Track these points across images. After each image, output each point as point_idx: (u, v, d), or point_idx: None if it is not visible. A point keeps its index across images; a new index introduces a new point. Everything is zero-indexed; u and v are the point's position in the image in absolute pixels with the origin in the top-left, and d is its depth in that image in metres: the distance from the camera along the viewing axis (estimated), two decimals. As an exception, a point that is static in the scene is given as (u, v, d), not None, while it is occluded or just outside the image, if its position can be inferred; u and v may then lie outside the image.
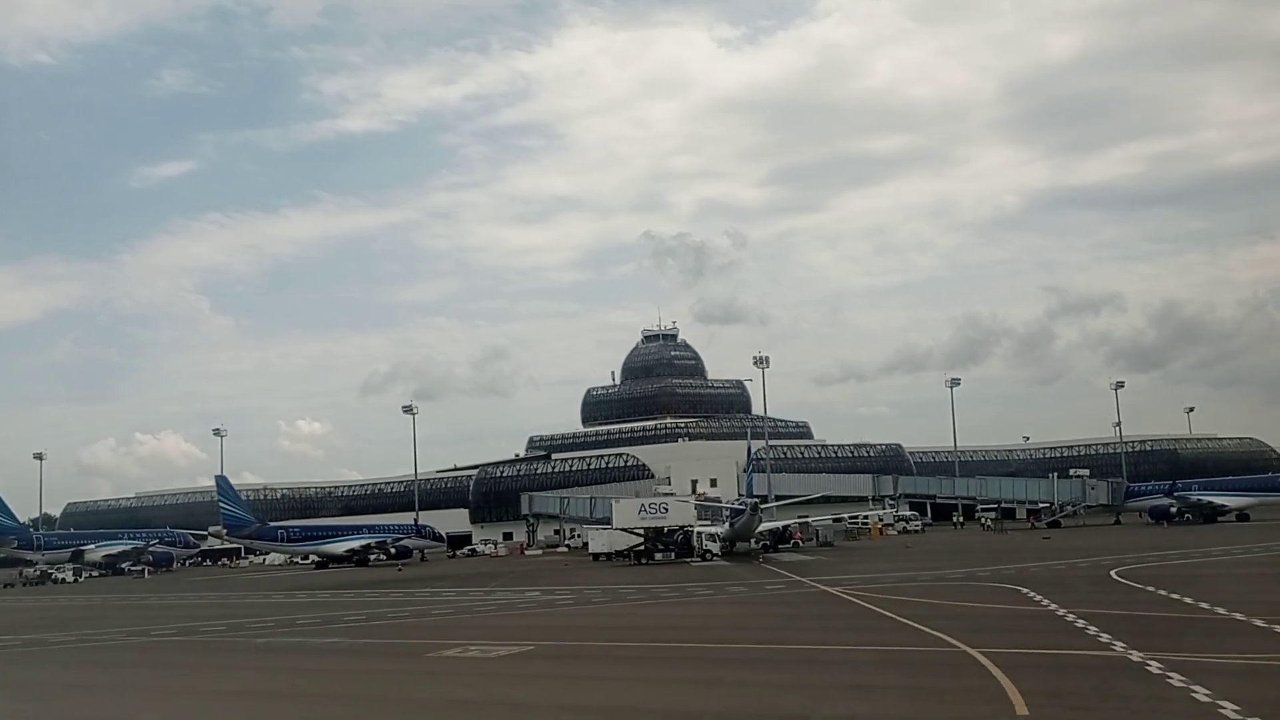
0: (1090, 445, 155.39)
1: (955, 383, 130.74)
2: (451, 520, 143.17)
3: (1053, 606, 31.64)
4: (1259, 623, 26.02)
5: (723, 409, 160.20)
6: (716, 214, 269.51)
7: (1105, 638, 24.50)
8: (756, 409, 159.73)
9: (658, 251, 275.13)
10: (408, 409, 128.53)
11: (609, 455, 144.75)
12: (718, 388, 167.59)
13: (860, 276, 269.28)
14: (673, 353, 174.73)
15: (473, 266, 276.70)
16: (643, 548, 74.34)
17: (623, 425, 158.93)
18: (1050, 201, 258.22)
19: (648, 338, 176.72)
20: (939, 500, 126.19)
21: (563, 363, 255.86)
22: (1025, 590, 37.18)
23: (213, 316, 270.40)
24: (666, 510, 75.71)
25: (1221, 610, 28.78)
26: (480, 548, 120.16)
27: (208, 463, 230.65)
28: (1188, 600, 31.72)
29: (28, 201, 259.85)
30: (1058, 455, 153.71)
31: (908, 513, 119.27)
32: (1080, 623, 27.44)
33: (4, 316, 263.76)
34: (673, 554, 72.93)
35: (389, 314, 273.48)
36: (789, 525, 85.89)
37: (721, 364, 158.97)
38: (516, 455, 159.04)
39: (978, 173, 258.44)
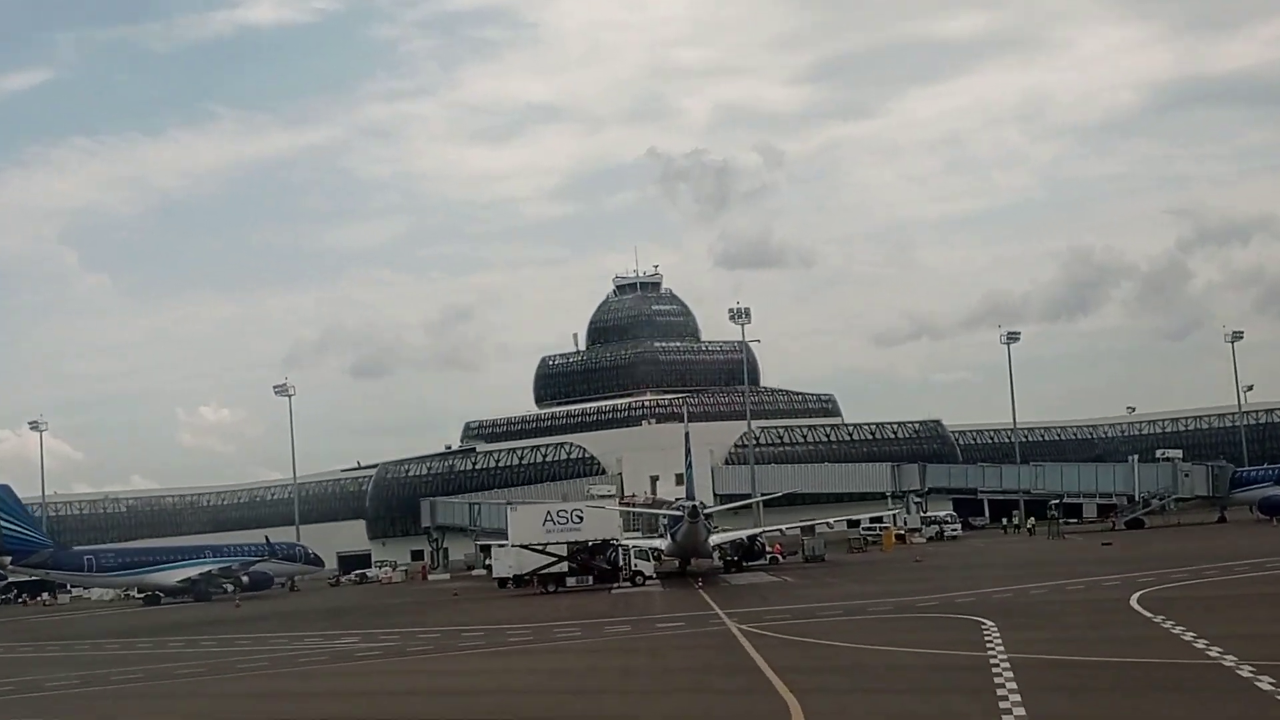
0: (1204, 416, 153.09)
1: (1013, 338, 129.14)
2: (349, 535, 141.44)
3: (996, 652, 30.15)
4: (1264, 684, 23.15)
5: (720, 380, 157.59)
6: (740, 123, 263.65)
7: (1013, 700, 22.95)
8: (767, 378, 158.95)
9: (666, 175, 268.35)
10: (280, 389, 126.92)
11: (547, 446, 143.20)
12: (714, 352, 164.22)
13: (930, 202, 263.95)
14: (654, 307, 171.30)
15: (423, 200, 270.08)
16: (560, 570, 73.25)
17: (586, 405, 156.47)
18: (1178, 97, 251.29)
19: (621, 287, 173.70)
20: (983, 494, 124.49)
21: (545, 324, 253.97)
22: (989, 625, 35.70)
23: (84, 273, 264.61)
24: (580, 520, 73.59)
25: (1231, 658, 26.05)
26: (375, 572, 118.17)
27: (84, 464, 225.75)
28: (1187, 637, 29.91)
29: None
30: (1160, 431, 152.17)
31: (941, 514, 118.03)
32: (1003, 678, 25.75)
33: None
34: (591, 578, 72.25)
35: (317, 265, 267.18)
36: (757, 536, 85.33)
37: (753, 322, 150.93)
38: (447, 447, 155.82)
39: (1081, 60, 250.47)
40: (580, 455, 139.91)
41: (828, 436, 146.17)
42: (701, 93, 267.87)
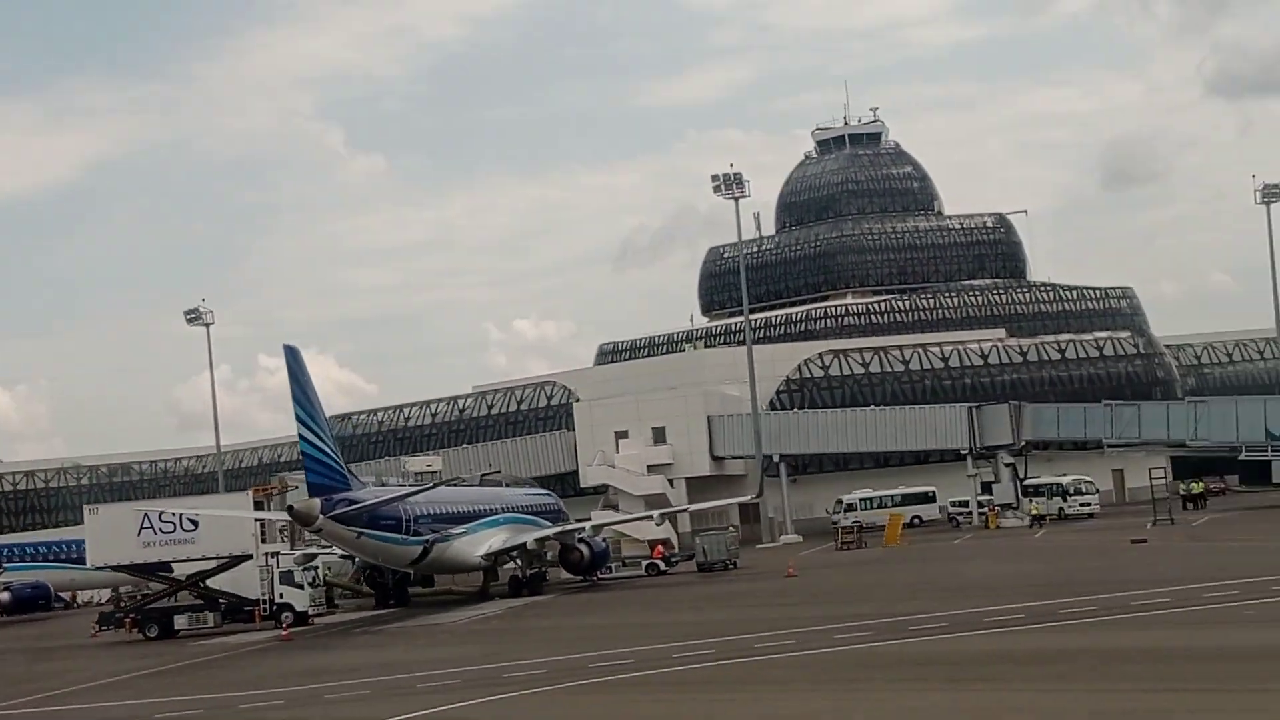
0: None
1: (1272, 195, 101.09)
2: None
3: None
4: None
5: (964, 271, 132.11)
6: None
7: None
8: (1035, 268, 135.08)
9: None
10: (194, 316, 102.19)
11: (524, 389, 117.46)
12: (953, 231, 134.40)
13: None
14: (869, 172, 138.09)
15: (776, 34, 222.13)
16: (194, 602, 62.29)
17: (773, 313, 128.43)
18: None
19: (823, 144, 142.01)
20: (1110, 447, 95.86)
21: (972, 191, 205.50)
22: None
23: (351, 155, 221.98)
24: (193, 528, 59.86)
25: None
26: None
27: (379, 397, 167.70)
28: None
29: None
30: None
31: (1065, 479, 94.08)
32: None
33: (22, 181, 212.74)
34: (214, 614, 60.44)
35: (641, 129, 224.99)
36: (582, 530, 69.95)
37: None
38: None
39: None
40: (561, 401, 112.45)
41: (903, 363, 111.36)
42: None
